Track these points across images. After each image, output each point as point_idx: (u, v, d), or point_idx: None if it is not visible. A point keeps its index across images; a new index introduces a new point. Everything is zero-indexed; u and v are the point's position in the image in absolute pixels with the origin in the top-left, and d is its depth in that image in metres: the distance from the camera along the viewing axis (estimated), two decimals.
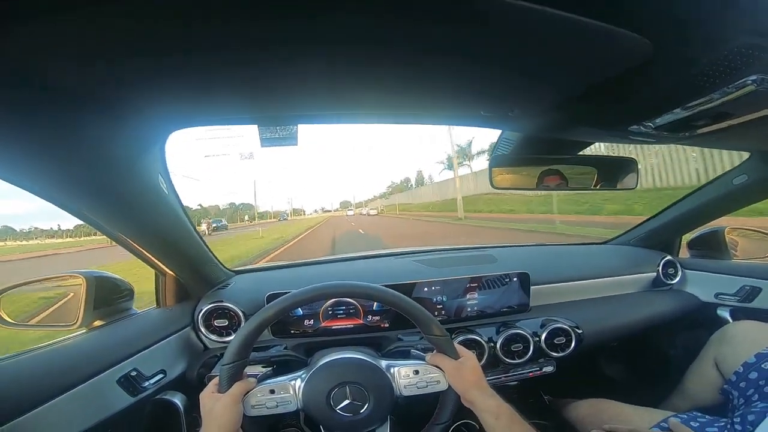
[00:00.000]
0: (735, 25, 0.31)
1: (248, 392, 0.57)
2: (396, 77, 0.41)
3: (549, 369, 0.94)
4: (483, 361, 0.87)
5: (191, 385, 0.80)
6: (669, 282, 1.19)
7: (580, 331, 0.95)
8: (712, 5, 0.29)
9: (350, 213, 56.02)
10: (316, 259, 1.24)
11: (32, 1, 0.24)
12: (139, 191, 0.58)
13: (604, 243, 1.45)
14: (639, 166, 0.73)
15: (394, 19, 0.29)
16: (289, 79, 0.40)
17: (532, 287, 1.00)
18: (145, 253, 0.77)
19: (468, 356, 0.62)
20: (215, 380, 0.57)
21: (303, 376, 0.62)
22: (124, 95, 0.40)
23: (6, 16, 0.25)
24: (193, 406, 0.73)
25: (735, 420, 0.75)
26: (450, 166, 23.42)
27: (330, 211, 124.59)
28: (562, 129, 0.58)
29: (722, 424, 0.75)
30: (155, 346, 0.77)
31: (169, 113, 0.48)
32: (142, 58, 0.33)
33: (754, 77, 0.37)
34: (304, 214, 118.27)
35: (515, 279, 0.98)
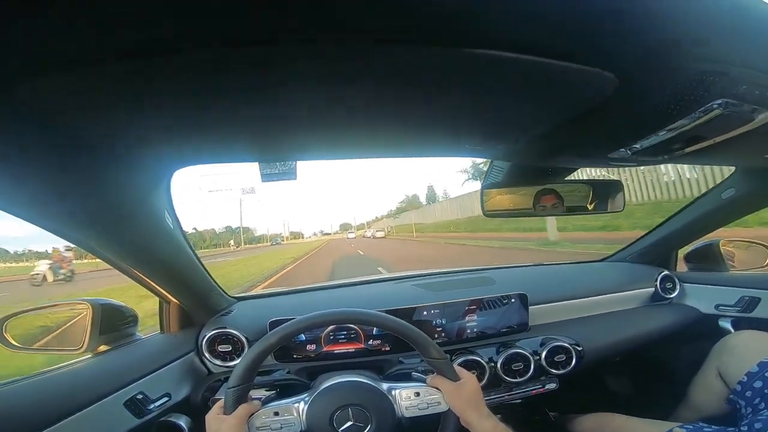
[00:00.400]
0: (688, 54, 0.33)
1: (253, 414, 0.59)
2: (389, 118, 0.44)
3: (552, 386, 0.94)
4: (484, 381, 0.88)
5: (196, 408, 0.81)
6: (667, 296, 1.19)
7: (580, 348, 0.95)
8: (664, 37, 0.31)
9: (351, 236, 49.14)
10: (317, 285, 1.26)
11: (48, 59, 0.27)
12: (146, 226, 0.61)
13: (602, 261, 1.46)
14: (624, 188, 0.75)
15: (388, 64, 0.32)
16: (288, 121, 0.43)
17: (531, 307, 1.01)
18: (151, 282, 0.80)
19: (467, 378, 0.63)
20: (220, 402, 0.59)
21: (306, 398, 0.63)
22: (132, 140, 0.44)
23: (26, 72, 0.28)
24: (197, 428, 0.74)
25: (742, 429, 0.75)
26: (477, 176, 18.24)
27: (329, 234, 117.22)
28: (545, 158, 0.61)
29: None
30: (160, 370, 0.78)
31: (173, 153, 0.51)
32: (150, 106, 0.37)
33: (719, 101, 0.39)
34: (303, 238, 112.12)
35: (514, 300, 0.99)
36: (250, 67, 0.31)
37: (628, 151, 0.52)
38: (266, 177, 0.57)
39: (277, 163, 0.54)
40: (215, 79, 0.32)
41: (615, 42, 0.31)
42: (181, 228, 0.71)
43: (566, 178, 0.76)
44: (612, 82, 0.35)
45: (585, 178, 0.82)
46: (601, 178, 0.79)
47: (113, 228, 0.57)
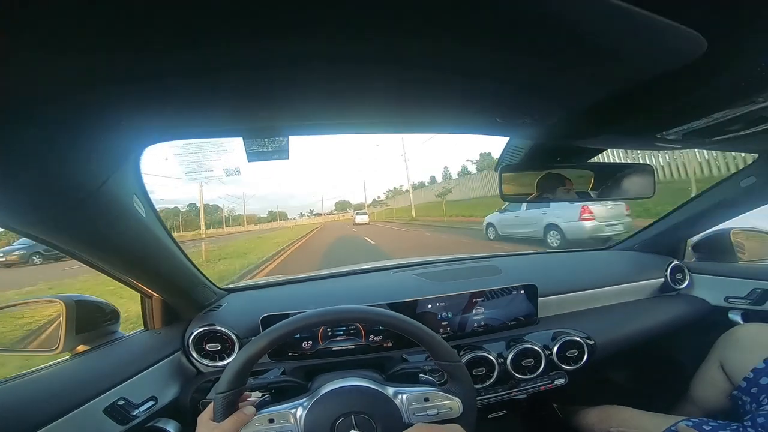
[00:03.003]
0: None
1: (245, 424, 0.53)
2: (403, 83, 0.36)
3: (561, 381, 0.90)
4: (493, 378, 0.84)
5: (185, 412, 0.76)
6: (677, 287, 1.16)
7: (591, 342, 0.91)
8: None
9: (360, 219, 27.28)
10: (313, 275, 1.19)
11: None
12: (111, 214, 0.52)
13: (608, 248, 1.42)
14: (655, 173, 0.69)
15: (403, 20, 0.25)
16: (280, 83, 0.35)
17: (539, 299, 0.96)
18: (126, 277, 0.72)
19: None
20: (212, 405, 0.54)
21: (305, 404, 0.58)
22: (88, 106, 0.34)
23: None
24: None
25: (746, 423, 0.74)
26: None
27: (321, 215, 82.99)
28: (580, 137, 0.54)
29: (734, 428, 0.75)
30: (144, 372, 0.73)
31: (141, 126, 0.42)
32: (110, 68, 0.28)
33: None
34: (285, 221, 77.51)
35: (522, 291, 0.95)
36: (228, 18, 0.23)
37: (682, 132, 0.45)
38: (253, 155, 0.48)
39: (266, 140, 0.46)
40: (193, 30, 0.24)
41: None
42: (156, 214, 0.63)
43: (590, 161, 0.69)
44: (700, 46, 0.28)
45: (610, 161, 0.75)
46: (623, 161, 0.73)
47: (70, 217, 0.47)
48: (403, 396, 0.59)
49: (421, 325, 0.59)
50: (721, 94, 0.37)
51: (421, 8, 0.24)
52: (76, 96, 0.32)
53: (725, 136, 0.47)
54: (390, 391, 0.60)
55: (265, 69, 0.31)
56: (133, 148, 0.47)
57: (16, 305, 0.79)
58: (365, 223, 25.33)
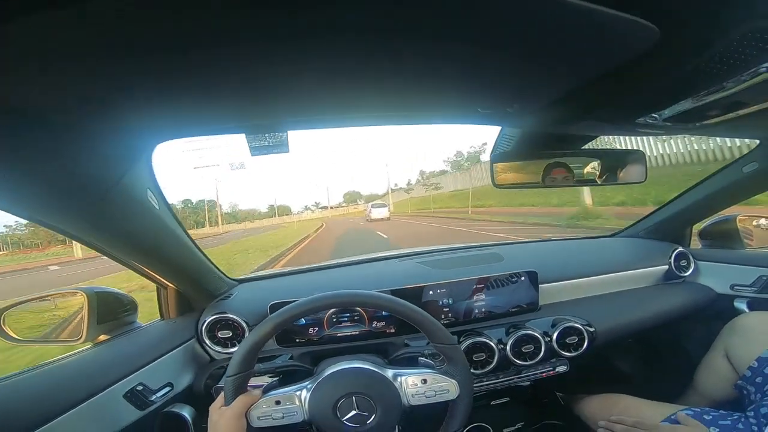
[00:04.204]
0: (749, 7, 0.29)
1: (253, 404, 0.57)
2: (389, 76, 0.39)
3: (562, 368, 0.92)
4: (494, 364, 0.86)
5: (199, 397, 0.80)
6: (682, 275, 1.15)
7: (592, 330, 0.92)
8: None
9: (377, 213, 20.49)
10: (320, 265, 1.22)
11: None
12: (127, 208, 0.57)
13: (612, 236, 1.41)
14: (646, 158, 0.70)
15: (386, 14, 0.27)
16: (277, 83, 0.38)
17: (540, 286, 0.97)
18: (143, 268, 0.76)
19: None
20: (222, 394, 0.58)
21: (309, 386, 0.61)
22: (106, 112, 0.39)
23: None
24: (201, 418, 0.73)
25: (749, 414, 0.74)
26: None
27: (328, 207, 73.67)
28: (565, 123, 0.56)
29: (735, 417, 0.74)
30: (161, 359, 0.77)
31: (151, 126, 0.46)
32: (124, 73, 0.32)
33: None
34: (284, 216, 67.02)
35: (523, 278, 0.96)
36: (236, 25, 0.26)
37: (659, 116, 0.46)
38: (255, 150, 0.52)
39: (266, 135, 0.50)
40: (196, 37, 0.27)
41: None
42: (168, 207, 0.67)
43: (583, 147, 0.71)
44: (653, 35, 0.31)
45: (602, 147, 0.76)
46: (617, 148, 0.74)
47: (91, 211, 0.52)
48: (402, 378, 0.62)
49: (418, 308, 0.61)
50: (684, 80, 0.39)
51: (408, 11, 0.27)
52: (87, 104, 0.36)
53: (708, 122, 0.48)
54: (390, 373, 0.63)
55: (264, 70, 0.35)
56: (146, 147, 0.52)
57: (42, 297, 0.84)
58: (384, 219, 19.36)
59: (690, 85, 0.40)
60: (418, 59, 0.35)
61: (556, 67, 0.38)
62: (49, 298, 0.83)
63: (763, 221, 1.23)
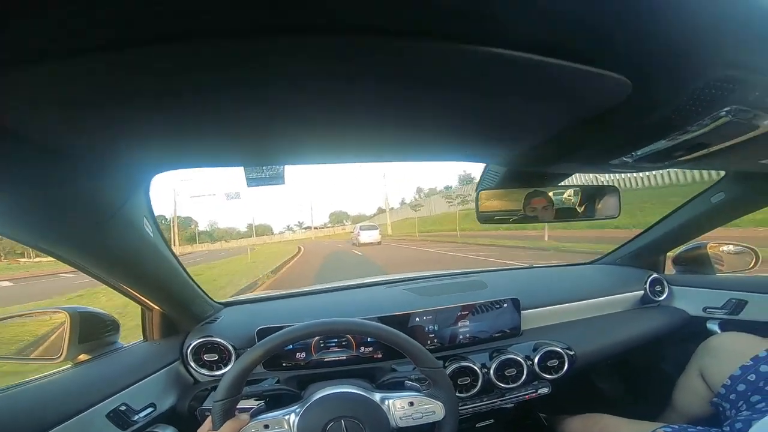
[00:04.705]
0: (710, 60, 0.32)
1: (241, 429, 0.57)
2: (388, 119, 0.42)
3: (544, 390, 0.94)
4: (478, 387, 0.87)
5: (182, 419, 0.79)
6: (657, 299, 1.20)
7: (572, 353, 0.95)
8: (686, 41, 0.29)
9: (367, 236, 17.56)
10: (307, 289, 1.23)
11: (6, 57, 0.24)
12: (125, 235, 0.58)
13: (591, 263, 1.46)
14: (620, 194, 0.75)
15: (377, 63, 0.29)
16: (276, 122, 0.40)
17: (523, 311, 1.00)
18: (132, 291, 0.76)
19: None
20: (210, 417, 0.58)
21: (297, 410, 0.62)
22: (106, 145, 0.40)
23: None
24: None
25: (725, 429, 0.77)
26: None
27: (311, 228, 67.38)
28: (547, 163, 0.60)
29: None
30: (145, 380, 0.76)
31: (151, 158, 0.48)
32: (124, 107, 0.33)
33: (728, 108, 0.38)
34: (264, 236, 64.01)
35: (506, 305, 0.99)
36: (234, 62, 0.28)
37: (630, 158, 0.51)
38: (252, 181, 0.54)
39: (264, 168, 0.52)
40: (195, 75, 0.29)
41: (633, 45, 0.29)
42: (161, 234, 0.68)
43: (560, 183, 0.75)
44: (626, 87, 0.34)
45: (578, 183, 0.81)
46: (593, 184, 0.79)
47: (90, 238, 0.54)
48: (389, 401, 0.63)
49: (403, 334, 0.63)
50: (655, 126, 0.43)
51: (402, 58, 0.29)
52: (90, 138, 0.38)
53: (677, 159, 0.53)
54: (377, 397, 0.64)
55: (262, 112, 0.37)
56: (144, 178, 0.54)
57: (23, 315, 0.83)
58: (375, 243, 17.10)
59: (660, 130, 0.44)
60: (412, 105, 0.38)
61: (535, 117, 0.42)
62: (32, 315, 0.82)
63: (731, 248, 1.31)
